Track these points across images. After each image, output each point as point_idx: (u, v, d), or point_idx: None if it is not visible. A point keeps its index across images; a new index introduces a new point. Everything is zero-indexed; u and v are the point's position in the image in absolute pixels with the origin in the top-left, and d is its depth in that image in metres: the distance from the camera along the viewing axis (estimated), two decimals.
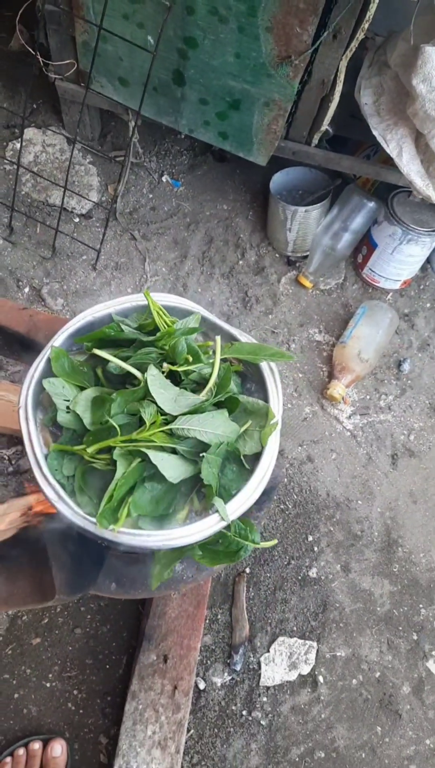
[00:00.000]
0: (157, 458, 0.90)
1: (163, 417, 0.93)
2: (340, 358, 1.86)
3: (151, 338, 0.99)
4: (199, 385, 0.98)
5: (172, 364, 0.96)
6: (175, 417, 0.93)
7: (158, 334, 0.98)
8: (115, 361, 0.96)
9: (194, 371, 0.98)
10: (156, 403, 0.92)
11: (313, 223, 1.94)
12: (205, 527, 0.91)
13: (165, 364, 0.96)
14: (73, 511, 0.90)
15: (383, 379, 1.95)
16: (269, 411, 0.98)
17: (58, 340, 1.01)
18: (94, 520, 0.87)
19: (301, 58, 1.45)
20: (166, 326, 1.00)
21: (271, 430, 0.96)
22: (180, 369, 0.96)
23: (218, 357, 0.98)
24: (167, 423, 0.93)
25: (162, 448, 0.92)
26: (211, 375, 0.96)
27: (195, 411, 0.93)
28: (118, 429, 0.90)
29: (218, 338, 1.00)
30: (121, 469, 0.91)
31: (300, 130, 1.78)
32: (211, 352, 1.02)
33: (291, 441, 1.82)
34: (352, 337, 1.87)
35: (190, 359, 0.97)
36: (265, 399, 1.01)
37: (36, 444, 0.93)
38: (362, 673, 1.59)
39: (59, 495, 0.90)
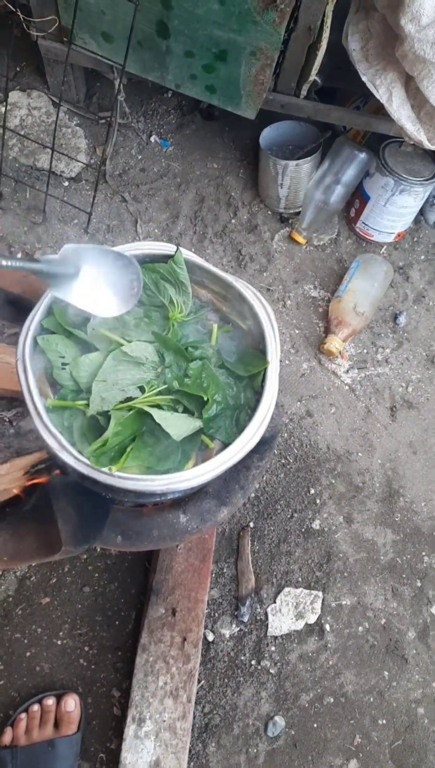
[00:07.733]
0: (160, 416, 0.92)
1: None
2: (336, 312, 1.85)
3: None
4: None
5: None
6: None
7: None
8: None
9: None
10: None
11: (305, 177, 1.91)
12: (211, 468, 0.92)
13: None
14: (74, 458, 0.90)
15: (380, 333, 1.94)
16: (264, 358, 1.03)
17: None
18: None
19: (287, 2, 1.42)
20: None
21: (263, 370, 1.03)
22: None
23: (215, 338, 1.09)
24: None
25: (164, 406, 0.96)
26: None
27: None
28: None
29: (215, 326, 1.11)
30: (115, 420, 0.93)
31: (288, 82, 1.75)
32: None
33: (290, 397, 1.82)
34: (347, 291, 1.86)
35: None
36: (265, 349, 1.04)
37: (36, 395, 0.93)
38: (368, 620, 1.62)
39: (61, 444, 0.91)
